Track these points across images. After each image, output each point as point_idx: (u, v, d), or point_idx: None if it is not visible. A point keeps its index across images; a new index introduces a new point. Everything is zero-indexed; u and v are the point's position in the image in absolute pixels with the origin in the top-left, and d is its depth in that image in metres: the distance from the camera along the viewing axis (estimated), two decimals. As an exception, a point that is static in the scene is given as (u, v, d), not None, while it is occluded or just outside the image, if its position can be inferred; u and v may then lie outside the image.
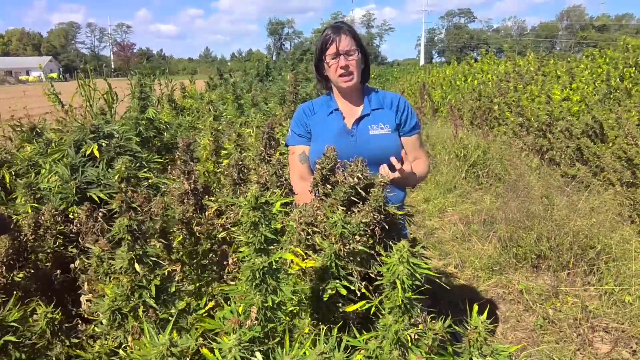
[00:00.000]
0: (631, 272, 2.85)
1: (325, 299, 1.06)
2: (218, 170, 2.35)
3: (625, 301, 2.71)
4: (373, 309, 0.99)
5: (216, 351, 0.80)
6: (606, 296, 2.80)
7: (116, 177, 1.02)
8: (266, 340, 0.89)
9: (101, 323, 1.12)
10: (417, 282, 0.86)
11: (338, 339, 0.96)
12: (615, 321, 2.62)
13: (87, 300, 1.35)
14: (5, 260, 1.46)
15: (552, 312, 2.77)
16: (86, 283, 1.41)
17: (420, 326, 0.88)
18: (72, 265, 1.59)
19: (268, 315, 0.91)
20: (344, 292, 1.06)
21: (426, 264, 0.94)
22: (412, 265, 0.85)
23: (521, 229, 3.46)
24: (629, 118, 4.33)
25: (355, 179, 1.21)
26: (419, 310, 0.89)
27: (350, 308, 1.10)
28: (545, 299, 2.90)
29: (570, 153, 4.72)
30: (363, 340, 0.92)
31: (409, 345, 0.84)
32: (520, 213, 3.58)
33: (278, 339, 0.93)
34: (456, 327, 0.92)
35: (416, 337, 0.86)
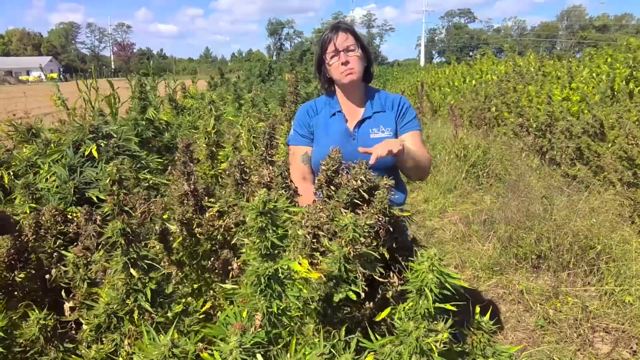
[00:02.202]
0: (631, 272, 2.85)
1: (335, 301, 1.05)
2: (216, 173, 2.35)
3: (626, 301, 2.70)
4: (397, 315, 0.97)
5: (216, 354, 0.80)
6: (606, 296, 2.80)
7: (107, 180, 1.01)
8: (270, 346, 0.89)
9: (91, 330, 1.10)
10: (446, 292, 0.85)
11: (347, 341, 0.95)
12: (616, 321, 2.61)
13: (70, 307, 1.34)
14: (6, 260, 1.45)
15: (553, 312, 2.77)
16: (63, 291, 1.39)
17: (445, 334, 0.86)
18: (47, 276, 1.56)
19: (272, 320, 0.90)
20: (353, 297, 1.05)
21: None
22: (442, 274, 0.84)
23: (521, 229, 3.45)
24: (629, 118, 4.32)
25: (359, 182, 1.21)
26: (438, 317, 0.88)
27: (379, 317, 1.08)
28: (546, 299, 2.90)
29: (570, 153, 4.72)
30: (378, 345, 0.91)
31: (435, 355, 0.82)
32: (521, 213, 3.58)
33: (282, 343, 0.92)
34: (461, 328, 0.92)
35: (442, 345, 0.84)
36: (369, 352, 0.89)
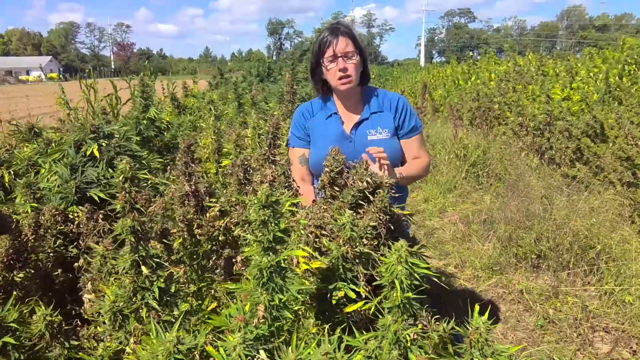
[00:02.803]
0: (631, 272, 2.85)
1: (334, 302, 1.05)
2: (220, 169, 2.35)
3: (626, 301, 2.71)
4: (372, 308, 0.98)
5: (221, 349, 0.80)
6: (606, 296, 2.80)
7: (120, 177, 1.02)
8: (272, 339, 0.90)
9: (104, 322, 1.11)
10: (416, 282, 0.85)
11: (339, 339, 0.96)
12: (616, 321, 2.62)
13: (89, 300, 1.35)
14: (5, 260, 1.45)
15: (552, 312, 2.77)
16: (89, 282, 1.40)
17: (419, 326, 0.87)
18: (75, 265, 1.58)
19: (274, 314, 0.91)
20: (352, 295, 1.05)
21: (427, 263, 0.94)
22: (410, 265, 0.85)
23: (521, 228, 3.46)
24: (629, 118, 4.32)
25: (364, 183, 1.21)
26: (423, 312, 0.89)
27: (350, 308, 1.10)
28: (546, 299, 2.90)
29: (570, 154, 4.72)
30: (363, 340, 0.92)
31: (408, 345, 0.84)
32: (520, 213, 3.58)
33: (283, 337, 0.93)
34: (458, 328, 0.92)
35: (415, 336, 0.85)
36: (359, 351, 0.90)
